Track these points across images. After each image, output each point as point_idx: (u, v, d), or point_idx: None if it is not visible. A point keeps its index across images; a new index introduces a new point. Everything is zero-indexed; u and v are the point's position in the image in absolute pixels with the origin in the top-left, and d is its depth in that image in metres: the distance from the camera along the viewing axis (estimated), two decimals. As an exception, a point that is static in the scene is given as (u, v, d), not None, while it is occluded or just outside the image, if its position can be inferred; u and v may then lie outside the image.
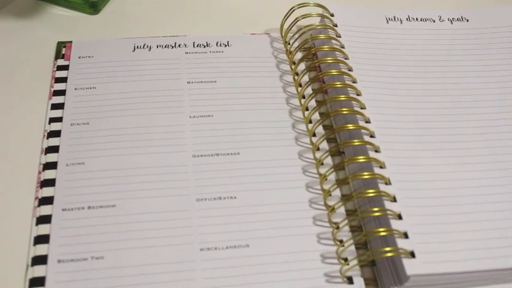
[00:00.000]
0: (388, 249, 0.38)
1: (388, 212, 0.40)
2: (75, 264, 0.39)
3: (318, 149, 0.45)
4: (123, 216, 0.41)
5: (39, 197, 0.42)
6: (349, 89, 0.46)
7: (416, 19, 0.54)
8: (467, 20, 0.55)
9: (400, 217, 0.40)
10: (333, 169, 0.42)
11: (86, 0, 0.54)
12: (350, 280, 0.40)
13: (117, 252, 0.39)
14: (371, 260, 0.41)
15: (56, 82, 0.49)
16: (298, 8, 0.51)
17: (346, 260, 0.40)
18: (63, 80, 0.49)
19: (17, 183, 0.43)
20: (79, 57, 0.51)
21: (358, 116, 0.44)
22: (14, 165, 0.44)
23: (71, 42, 0.52)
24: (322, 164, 0.45)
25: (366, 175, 0.41)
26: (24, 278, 0.38)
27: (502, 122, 0.47)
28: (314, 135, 0.46)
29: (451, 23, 0.55)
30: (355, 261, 0.40)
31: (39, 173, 0.43)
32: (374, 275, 0.41)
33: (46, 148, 0.44)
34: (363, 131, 0.44)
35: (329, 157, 0.46)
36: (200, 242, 0.40)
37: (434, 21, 0.55)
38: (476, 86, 0.50)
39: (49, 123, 0.46)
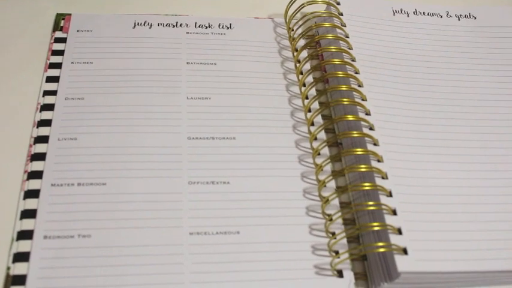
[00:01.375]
0: (380, 244, 0.38)
1: (383, 207, 0.39)
2: (61, 241, 0.38)
3: (316, 139, 0.44)
4: (113, 195, 0.40)
5: (29, 170, 0.41)
6: (350, 79, 0.45)
7: (424, 13, 0.53)
8: (475, 18, 0.54)
9: (394, 213, 0.39)
10: (329, 160, 0.42)
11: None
12: (340, 274, 0.39)
13: (105, 232, 0.39)
14: (362, 255, 0.41)
15: (52, 55, 0.48)
16: (304, -7, 0.49)
17: (337, 253, 0.40)
18: (60, 52, 0.48)
19: (6, 156, 0.42)
20: (77, 31, 0.49)
21: (358, 107, 0.44)
22: (4, 137, 0.43)
23: (70, 14, 0.51)
24: (319, 154, 0.44)
25: (362, 168, 0.40)
26: (8, 252, 0.37)
27: (505, 123, 0.47)
28: (312, 124, 0.45)
29: (459, 19, 0.54)
30: (346, 255, 0.39)
31: (30, 146, 0.42)
32: (365, 269, 0.40)
33: (38, 121, 0.43)
34: (362, 123, 0.43)
35: (326, 148, 0.45)
36: (190, 225, 0.40)
37: (441, 17, 0.54)
38: (480, 85, 0.49)
39: (43, 96, 0.45)
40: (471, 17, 0.54)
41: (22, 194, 0.40)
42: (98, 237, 0.38)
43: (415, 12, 0.53)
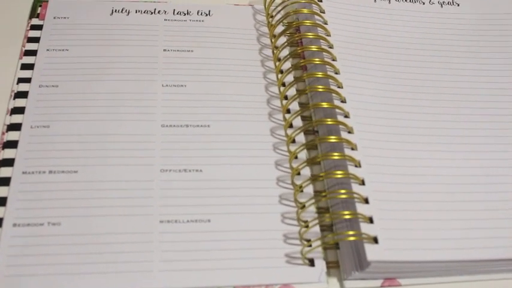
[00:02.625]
0: (350, 233, 0.37)
1: (355, 196, 0.38)
2: (31, 229, 0.38)
3: (291, 126, 0.44)
4: (84, 183, 0.40)
5: (0, 158, 0.41)
6: (327, 66, 0.45)
7: (406, 0, 0.53)
8: (458, 5, 0.53)
9: (366, 201, 0.39)
10: (303, 147, 0.41)
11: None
12: (312, 262, 0.39)
13: (75, 219, 0.38)
14: (335, 243, 0.40)
15: (28, 42, 0.47)
16: (283, -20, 0.49)
17: (309, 241, 0.39)
18: (36, 40, 0.47)
19: (-21, 143, 0.42)
20: (54, 18, 0.49)
21: (334, 95, 0.43)
22: (-23, 124, 0.43)
23: (47, 1, 0.50)
24: (294, 141, 0.43)
25: (335, 156, 0.40)
26: (-23, 240, 0.37)
27: (484, 111, 0.46)
28: (288, 112, 0.45)
29: (441, 6, 0.53)
30: (318, 243, 0.39)
31: (2, 134, 0.42)
32: (338, 258, 0.40)
33: (12, 109, 0.43)
34: (337, 110, 0.42)
35: (303, 136, 0.44)
36: (161, 213, 0.39)
37: (423, 4, 0.53)
38: (461, 73, 0.48)
39: (17, 84, 0.45)
40: (454, 3, 0.53)
41: (-7, 181, 0.40)
42: (68, 224, 0.38)
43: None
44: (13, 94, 0.44)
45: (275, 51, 0.48)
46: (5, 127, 0.42)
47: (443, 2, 0.53)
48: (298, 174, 0.42)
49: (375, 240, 0.37)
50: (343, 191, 0.39)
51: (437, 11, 0.52)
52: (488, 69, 0.49)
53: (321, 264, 0.39)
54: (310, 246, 0.39)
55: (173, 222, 0.39)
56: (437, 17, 0.52)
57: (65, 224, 0.38)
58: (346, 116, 0.42)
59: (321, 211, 0.41)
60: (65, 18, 0.49)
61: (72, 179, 0.40)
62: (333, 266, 0.40)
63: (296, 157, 0.43)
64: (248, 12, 0.52)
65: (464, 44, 0.50)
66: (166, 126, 0.43)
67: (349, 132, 0.42)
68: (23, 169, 0.40)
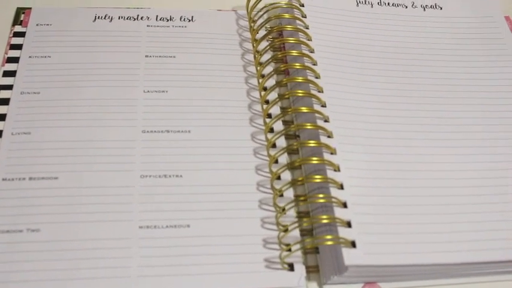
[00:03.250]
0: (328, 237, 0.37)
1: (333, 200, 0.38)
2: (10, 236, 0.38)
3: (272, 131, 0.44)
4: (65, 189, 0.40)
5: (-19, 165, 0.41)
6: (307, 71, 0.45)
7: (388, 4, 0.53)
8: (441, 8, 0.54)
9: (345, 205, 0.39)
10: (282, 151, 0.41)
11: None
12: (291, 267, 0.39)
13: (54, 226, 0.38)
14: (315, 248, 0.40)
15: (10, 49, 0.47)
16: (266, -16, 0.49)
17: (288, 246, 0.39)
18: (19, 47, 0.48)
19: (-40, 150, 0.42)
20: (37, 25, 0.49)
21: (314, 99, 0.43)
22: (-42, 131, 0.43)
23: (30, 8, 0.50)
24: (275, 146, 0.43)
25: (314, 160, 0.40)
26: (-44, 247, 0.37)
27: (468, 114, 0.46)
28: (270, 116, 0.45)
29: (424, 9, 0.53)
30: (297, 247, 0.39)
31: (-16, 141, 0.42)
32: (317, 263, 0.40)
33: (-7, 116, 0.43)
34: (317, 115, 0.42)
35: (284, 141, 0.44)
36: (140, 219, 0.39)
37: (406, 7, 0.53)
38: (442, 76, 0.48)
39: (-1, 91, 0.45)
40: (437, 7, 0.54)
41: (-27, 188, 0.40)
42: (47, 231, 0.38)
43: (379, 3, 0.52)
44: (-5, 101, 0.44)
45: (257, 56, 0.48)
46: (-14, 134, 0.42)
47: (426, 5, 0.53)
48: (279, 178, 0.42)
49: (353, 244, 0.37)
50: (321, 196, 0.39)
51: (420, 15, 0.53)
52: (471, 72, 0.49)
53: (300, 269, 0.39)
54: (290, 250, 0.39)
55: (152, 227, 0.39)
56: (420, 21, 0.52)
57: (44, 230, 0.38)
58: (326, 121, 0.42)
59: (302, 215, 0.42)
60: (48, 25, 0.49)
61: (52, 186, 0.40)
62: (313, 271, 0.40)
63: (277, 161, 0.43)
64: (231, 17, 0.52)
65: (447, 47, 0.50)
66: (147, 132, 0.43)
67: (329, 136, 0.42)
68: (3, 176, 0.40)
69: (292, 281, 0.38)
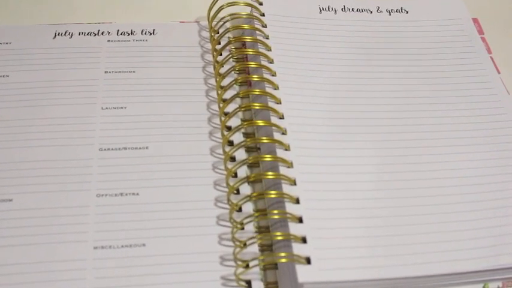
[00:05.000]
0: (282, 254, 0.37)
1: (288, 216, 0.38)
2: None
3: (232, 144, 0.43)
4: (17, 211, 0.40)
5: None
6: (265, 83, 0.44)
7: (352, 9, 0.52)
8: (407, 12, 0.53)
9: (301, 220, 0.38)
10: (238, 165, 0.41)
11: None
12: (249, 284, 0.38)
13: (6, 249, 0.38)
14: (275, 263, 0.40)
15: (-30, 69, 0.47)
16: (227, -6, 0.48)
17: (245, 262, 0.39)
18: (-22, 66, 0.47)
19: None
20: (-4, 44, 0.49)
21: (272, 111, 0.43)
22: None
23: (-10, 27, 0.50)
24: (234, 159, 0.43)
25: (269, 175, 0.40)
26: None
27: (430, 120, 0.45)
28: (229, 129, 0.44)
29: (390, 14, 0.52)
30: (255, 263, 0.38)
31: None
32: (277, 279, 0.39)
33: (-51, 138, 0.43)
34: (274, 128, 0.42)
35: (244, 154, 0.44)
36: (95, 239, 0.39)
37: (371, 12, 0.52)
38: (408, 82, 0.48)
39: (-43, 112, 0.45)
40: (403, 11, 0.53)
41: None
42: (1, 255, 0.38)
43: (343, 9, 0.52)
44: (-48, 123, 0.44)
45: (216, 66, 0.47)
46: None
47: (391, 9, 0.53)
48: (238, 193, 0.42)
49: (308, 260, 0.36)
50: (275, 212, 0.38)
51: (386, 19, 0.52)
52: (438, 77, 0.48)
53: (258, 285, 0.38)
54: (247, 266, 0.38)
55: (107, 247, 0.39)
56: (386, 25, 0.51)
57: (-2, 254, 0.38)
58: (284, 133, 0.42)
59: (262, 230, 0.41)
60: (7, 43, 0.49)
61: (5, 208, 0.40)
62: (272, 287, 0.39)
63: (235, 175, 0.42)
64: (193, 29, 0.52)
65: (414, 51, 0.50)
66: (104, 149, 0.43)
67: (286, 149, 0.41)
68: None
69: (250, 298, 0.38)
